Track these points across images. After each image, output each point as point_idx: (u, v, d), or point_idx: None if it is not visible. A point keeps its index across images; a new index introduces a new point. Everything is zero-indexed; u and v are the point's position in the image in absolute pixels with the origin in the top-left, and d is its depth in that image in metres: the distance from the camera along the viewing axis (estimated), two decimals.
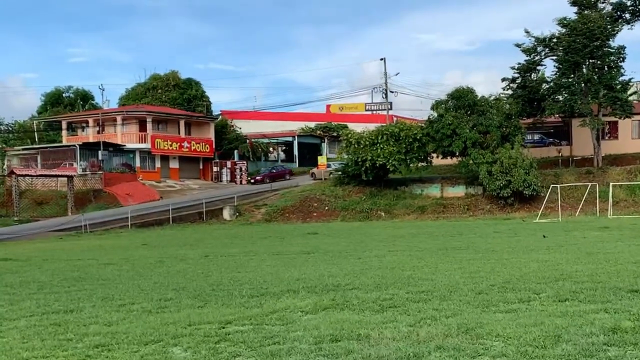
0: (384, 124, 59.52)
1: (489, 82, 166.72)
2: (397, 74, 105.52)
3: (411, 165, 52.44)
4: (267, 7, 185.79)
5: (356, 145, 52.05)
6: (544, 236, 26.70)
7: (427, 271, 14.49)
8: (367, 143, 51.55)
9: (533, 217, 43.67)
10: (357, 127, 59.91)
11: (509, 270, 13.99)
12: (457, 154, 51.38)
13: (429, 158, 53.55)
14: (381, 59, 77.16)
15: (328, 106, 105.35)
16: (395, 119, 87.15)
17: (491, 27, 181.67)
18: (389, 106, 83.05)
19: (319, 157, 70.03)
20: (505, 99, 52.98)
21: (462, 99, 51.06)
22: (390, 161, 50.51)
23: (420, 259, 18.05)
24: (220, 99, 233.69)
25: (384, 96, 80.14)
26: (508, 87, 54.81)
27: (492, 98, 52.47)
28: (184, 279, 14.59)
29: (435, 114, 51.88)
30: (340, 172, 56.41)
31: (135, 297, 11.64)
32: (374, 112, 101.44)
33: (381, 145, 50.94)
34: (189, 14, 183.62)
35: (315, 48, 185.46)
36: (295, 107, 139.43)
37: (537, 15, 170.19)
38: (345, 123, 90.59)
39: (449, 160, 55.46)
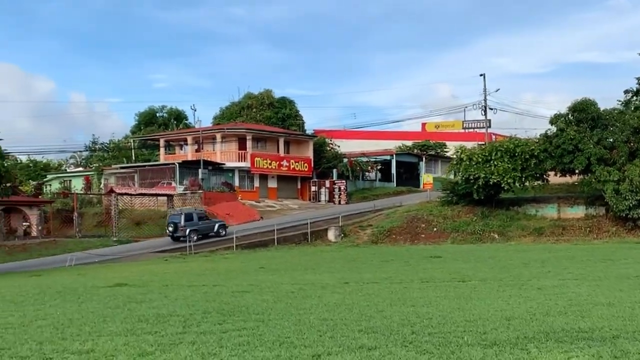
0: (481, 142, 56.38)
1: (561, 103, 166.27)
2: (497, 90, 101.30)
3: (527, 183, 48.95)
4: (340, 34, 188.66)
5: (467, 162, 48.82)
6: None
7: None
8: (480, 160, 48.27)
9: None
10: (465, 145, 56.44)
11: None
12: (578, 171, 47.58)
13: (544, 176, 49.86)
14: (480, 75, 73.69)
15: (424, 124, 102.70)
16: (493, 137, 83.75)
17: (563, 50, 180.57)
18: (488, 123, 79.48)
19: (424, 176, 66.75)
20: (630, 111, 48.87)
21: (584, 112, 47.15)
22: (505, 179, 47.06)
23: (622, 290, 14.86)
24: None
25: (483, 113, 76.44)
26: (627, 100, 50.69)
27: (615, 111, 48.48)
28: (352, 314, 11.84)
29: (554, 129, 48.27)
30: (448, 191, 53.15)
31: (321, 341, 8.89)
32: (472, 130, 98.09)
33: (495, 162, 47.58)
34: (265, 40, 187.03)
35: (387, 73, 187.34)
36: (388, 125, 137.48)
37: (610, 37, 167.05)
38: (443, 141, 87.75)
39: (563, 179, 51.74)
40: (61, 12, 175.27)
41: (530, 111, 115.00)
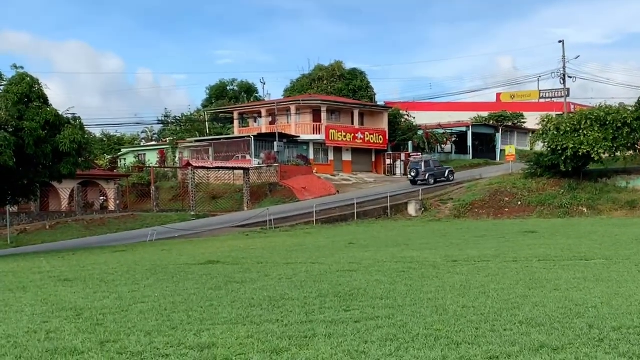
0: (558, 112, 53.87)
1: (628, 72, 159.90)
2: (577, 57, 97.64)
3: (618, 153, 46.61)
4: (402, 7, 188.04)
5: (555, 132, 46.59)
6: None
7: None
8: (568, 129, 45.99)
9: None
10: (552, 114, 53.91)
11: None
12: None
13: (636, 146, 47.37)
14: (559, 42, 71.03)
15: (498, 95, 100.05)
16: (573, 106, 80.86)
17: (629, 20, 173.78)
18: (567, 92, 76.67)
19: (506, 147, 64.22)
20: None
21: None
22: (595, 149, 44.83)
23: None
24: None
25: (562, 82, 73.56)
26: None
27: None
28: (492, 300, 10.33)
29: None
30: (532, 163, 51.00)
31: (483, 336, 7.43)
32: (549, 99, 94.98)
33: (585, 132, 45.29)
34: (326, 15, 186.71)
35: (448, 45, 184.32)
36: (451, 97, 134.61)
37: None
38: (520, 112, 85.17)
39: None
40: None
41: (609, 79, 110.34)
